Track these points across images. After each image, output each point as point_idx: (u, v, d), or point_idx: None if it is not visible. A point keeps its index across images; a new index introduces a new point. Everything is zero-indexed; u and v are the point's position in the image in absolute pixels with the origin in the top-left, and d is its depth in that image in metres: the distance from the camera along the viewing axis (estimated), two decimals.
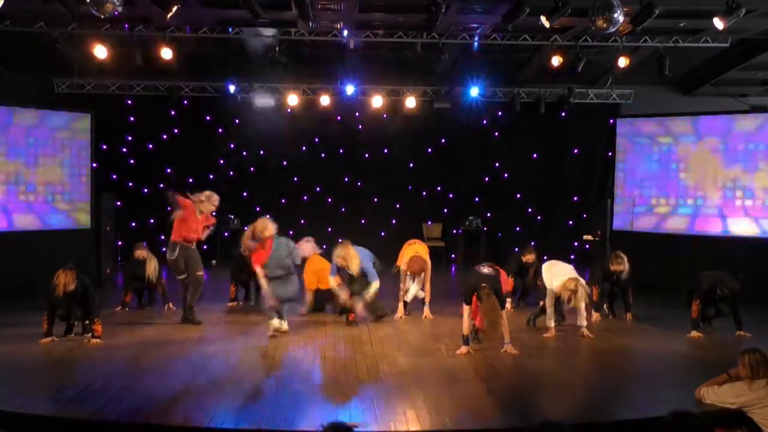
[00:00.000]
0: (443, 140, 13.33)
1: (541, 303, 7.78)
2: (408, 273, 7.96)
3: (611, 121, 12.03)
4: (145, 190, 12.72)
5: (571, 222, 13.21)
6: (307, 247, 8.00)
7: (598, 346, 6.76)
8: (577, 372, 5.85)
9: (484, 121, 13.22)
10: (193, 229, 7.55)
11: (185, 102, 12.32)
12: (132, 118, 12.63)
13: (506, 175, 13.38)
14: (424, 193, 13.32)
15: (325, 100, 11.85)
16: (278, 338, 6.84)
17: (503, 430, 4.54)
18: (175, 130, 12.82)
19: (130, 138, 12.70)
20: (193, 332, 7.13)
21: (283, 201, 13.06)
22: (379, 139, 13.02)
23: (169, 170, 12.78)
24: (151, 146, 12.80)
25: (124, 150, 12.70)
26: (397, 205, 13.12)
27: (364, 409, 4.77)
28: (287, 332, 6.99)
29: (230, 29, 9.39)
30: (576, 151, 13.32)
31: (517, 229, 13.22)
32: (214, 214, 7.90)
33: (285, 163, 13.14)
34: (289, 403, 4.86)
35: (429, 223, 13.35)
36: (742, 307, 7.28)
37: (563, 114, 12.81)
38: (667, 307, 8.30)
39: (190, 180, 12.63)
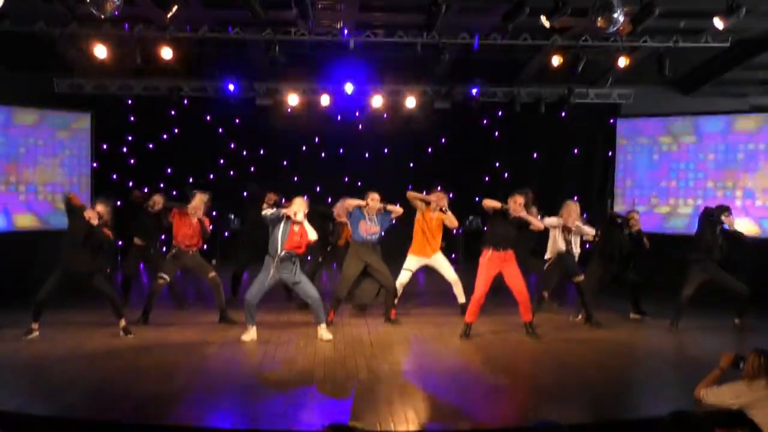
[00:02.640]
0: (443, 140, 13.32)
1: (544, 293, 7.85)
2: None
3: (611, 121, 12.03)
4: (146, 190, 12.69)
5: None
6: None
7: (597, 346, 6.76)
8: (577, 372, 5.85)
9: (484, 121, 13.21)
10: (188, 235, 7.55)
11: (185, 102, 12.32)
12: (132, 118, 12.62)
13: (506, 175, 13.38)
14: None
15: (325, 100, 11.85)
16: (278, 338, 6.85)
17: (503, 430, 4.54)
18: (175, 130, 12.82)
19: (130, 138, 12.69)
20: (193, 332, 7.14)
21: (283, 201, 13.04)
22: (379, 139, 13.01)
23: (169, 170, 12.77)
24: (151, 146, 12.79)
25: (124, 150, 12.70)
26: (398, 205, 13.11)
27: (364, 409, 4.77)
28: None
29: (230, 29, 9.40)
30: (576, 151, 13.31)
31: None
32: (214, 213, 7.91)
33: (285, 163, 13.14)
34: (289, 403, 4.87)
35: None
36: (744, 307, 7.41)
37: (563, 114, 12.80)
38: (668, 307, 8.28)
39: (190, 180, 12.65)
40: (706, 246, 7.44)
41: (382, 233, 7.73)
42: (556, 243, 7.74)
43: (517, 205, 6.82)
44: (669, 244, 10.41)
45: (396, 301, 7.85)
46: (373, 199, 7.60)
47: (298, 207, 6.77)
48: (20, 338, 6.66)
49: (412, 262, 8.01)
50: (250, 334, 6.80)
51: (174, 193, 12.57)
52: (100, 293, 6.94)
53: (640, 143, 11.19)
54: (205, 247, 7.85)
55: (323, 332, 6.85)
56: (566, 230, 7.68)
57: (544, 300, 7.83)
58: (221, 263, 11.56)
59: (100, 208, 6.84)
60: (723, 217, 7.51)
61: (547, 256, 7.89)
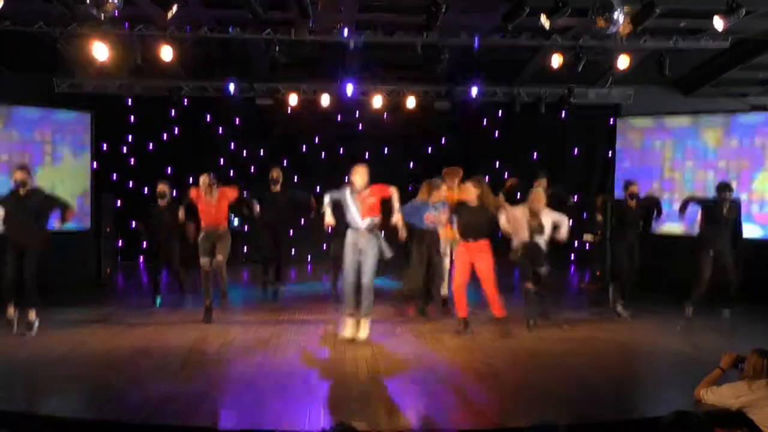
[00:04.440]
0: (443, 140, 13.32)
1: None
2: None
3: (611, 121, 12.02)
4: (145, 190, 12.70)
5: (571, 222, 13.18)
6: None
7: (597, 347, 6.77)
8: (577, 372, 5.85)
9: (484, 121, 13.21)
10: (206, 212, 7.71)
11: (185, 102, 12.32)
12: (132, 118, 12.62)
13: (506, 175, 13.36)
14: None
15: (325, 100, 11.84)
16: (278, 337, 6.85)
17: (503, 430, 4.54)
18: (175, 130, 12.82)
19: (130, 138, 12.69)
20: (193, 332, 7.14)
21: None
22: (379, 139, 13.01)
23: (169, 170, 12.77)
24: (151, 146, 12.79)
25: (124, 150, 12.70)
26: (397, 205, 13.10)
27: (365, 409, 4.76)
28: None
29: (230, 29, 9.39)
30: (576, 151, 13.31)
31: None
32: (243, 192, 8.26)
33: (285, 163, 13.14)
34: (289, 403, 4.87)
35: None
36: (741, 306, 7.42)
37: (563, 114, 12.80)
38: (667, 307, 8.29)
39: (190, 180, 12.65)
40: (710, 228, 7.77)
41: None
42: (522, 231, 7.43)
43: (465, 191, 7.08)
44: (668, 245, 10.43)
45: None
46: (441, 192, 7.66)
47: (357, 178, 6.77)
48: (19, 338, 6.67)
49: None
50: (350, 329, 6.74)
51: (174, 193, 12.61)
52: (24, 274, 6.80)
53: (640, 143, 11.18)
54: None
55: (362, 329, 6.74)
56: (533, 217, 7.41)
57: (529, 291, 7.49)
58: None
59: (18, 175, 6.86)
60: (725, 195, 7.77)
61: (513, 245, 7.59)
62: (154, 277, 8.60)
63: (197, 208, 7.87)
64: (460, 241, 7.03)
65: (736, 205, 7.98)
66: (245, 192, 8.95)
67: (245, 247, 10.24)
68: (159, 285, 8.58)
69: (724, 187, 7.88)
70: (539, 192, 7.54)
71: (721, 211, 7.82)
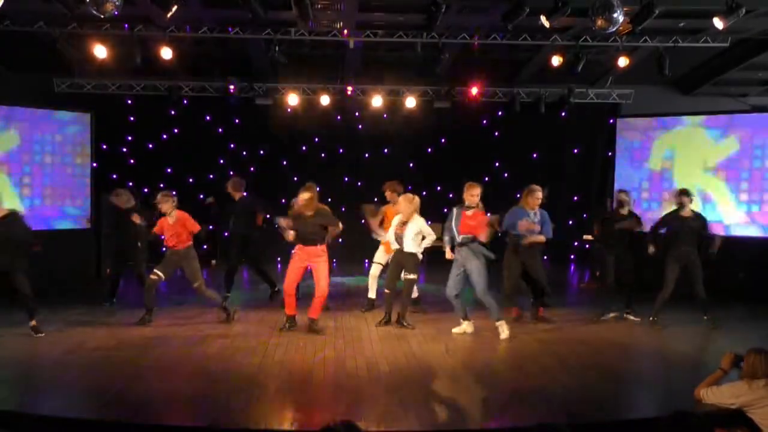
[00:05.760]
0: (443, 140, 13.32)
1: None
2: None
3: (611, 121, 12.03)
4: (146, 190, 12.69)
5: (571, 222, 13.21)
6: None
7: (597, 346, 6.77)
8: (577, 372, 5.85)
9: (484, 121, 13.21)
10: (167, 235, 7.50)
11: (185, 102, 12.32)
12: (132, 118, 12.62)
13: (506, 175, 13.38)
14: (424, 193, 13.27)
15: (325, 100, 11.84)
16: (278, 337, 6.85)
17: (503, 430, 4.55)
18: (175, 130, 12.81)
19: (130, 138, 12.69)
20: (192, 332, 7.14)
21: (283, 201, 13.04)
22: (379, 139, 13.02)
23: (169, 170, 12.77)
24: (151, 146, 12.79)
25: (124, 150, 12.70)
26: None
27: (365, 409, 4.77)
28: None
29: (230, 29, 9.41)
30: (576, 151, 13.31)
31: None
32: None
33: (285, 163, 13.15)
34: (289, 403, 4.87)
35: (429, 222, 13.31)
36: (741, 306, 7.41)
37: (563, 114, 12.80)
38: (667, 307, 8.29)
39: (190, 180, 12.65)
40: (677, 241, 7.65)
41: (541, 229, 7.67)
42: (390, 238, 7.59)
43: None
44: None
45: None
46: (538, 197, 7.63)
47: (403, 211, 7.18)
48: (20, 338, 6.67)
49: (381, 255, 8.29)
50: (462, 328, 7.12)
51: (174, 193, 12.61)
52: (18, 291, 6.78)
53: (639, 143, 11.19)
54: (204, 246, 7.84)
55: (503, 330, 6.93)
56: (401, 224, 7.48)
57: (388, 295, 7.58)
58: (221, 264, 11.57)
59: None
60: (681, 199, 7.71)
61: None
62: (113, 280, 8.66)
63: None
64: (298, 245, 7.08)
65: (700, 216, 7.81)
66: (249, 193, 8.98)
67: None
68: (116, 288, 8.61)
69: (681, 193, 7.78)
70: (403, 200, 7.50)
71: (682, 221, 7.64)
